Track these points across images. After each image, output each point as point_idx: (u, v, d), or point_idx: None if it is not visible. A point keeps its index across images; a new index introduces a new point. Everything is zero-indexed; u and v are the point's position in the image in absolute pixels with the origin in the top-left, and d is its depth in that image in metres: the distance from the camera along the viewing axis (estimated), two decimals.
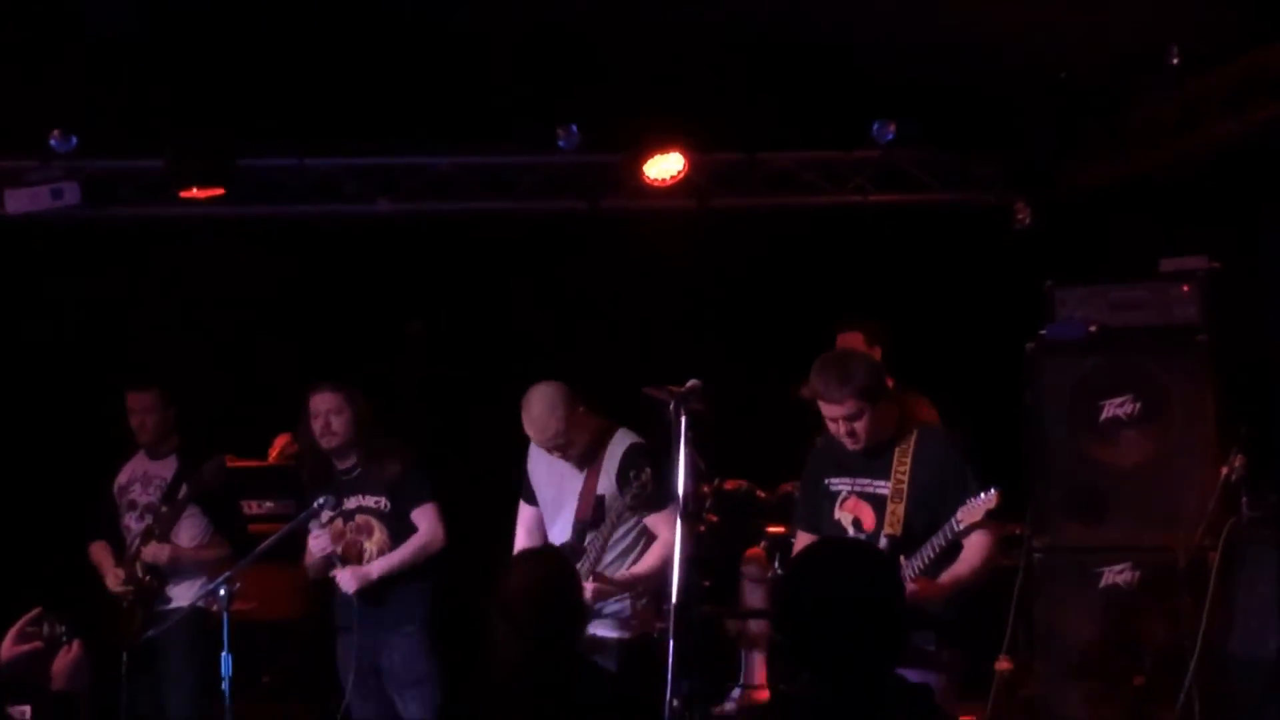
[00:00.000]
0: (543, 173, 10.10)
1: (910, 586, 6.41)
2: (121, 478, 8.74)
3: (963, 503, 6.55)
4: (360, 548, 7.95)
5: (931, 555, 6.49)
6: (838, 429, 6.74)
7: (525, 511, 7.89)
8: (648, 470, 7.08)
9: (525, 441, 7.68)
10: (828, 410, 6.75)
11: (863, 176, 10.18)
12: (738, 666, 9.62)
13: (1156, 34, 8.52)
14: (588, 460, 7.59)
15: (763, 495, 9.45)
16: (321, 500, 7.72)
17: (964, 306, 10.00)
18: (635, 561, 7.44)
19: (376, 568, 7.90)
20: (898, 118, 9.74)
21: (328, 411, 7.94)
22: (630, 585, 7.43)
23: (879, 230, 10.18)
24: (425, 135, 9.71)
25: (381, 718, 7.97)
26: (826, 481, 6.92)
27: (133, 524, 8.62)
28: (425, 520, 7.96)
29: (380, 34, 8.84)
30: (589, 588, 7.21)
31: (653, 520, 7.41)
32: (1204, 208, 8.75)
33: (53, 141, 9.46)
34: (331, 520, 7.93)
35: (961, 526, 6.44)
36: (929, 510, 6.64)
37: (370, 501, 7.97)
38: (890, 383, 7.25)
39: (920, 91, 9.41)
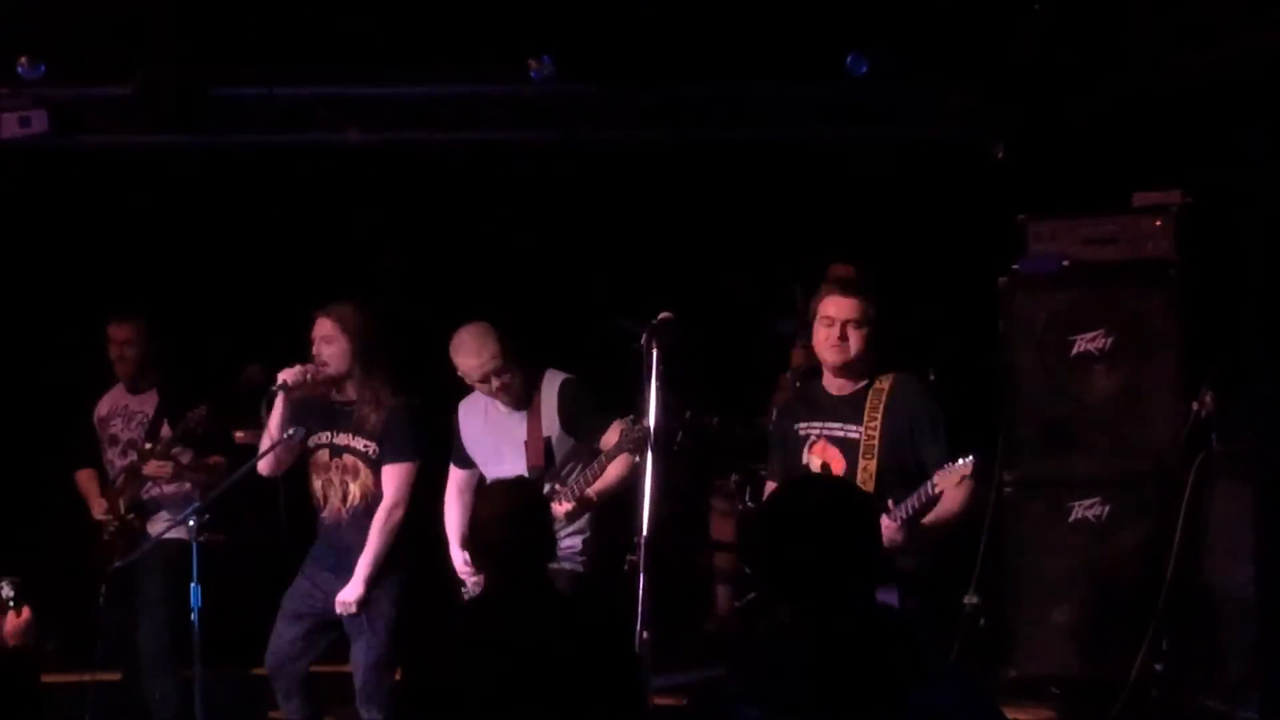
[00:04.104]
0: (516, 103, 10.04)
1: (894, 534, 6.44)
2: (101, 409, 8.73)
3: (931, 454, 6.57)
4: (346, 489, 7.78)
5: (905, 516, 6.49)
6: (831, 333, 6.71)
7: (456, 474, 7.89)
8: (644, 420, 7.03)
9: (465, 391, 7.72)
10: (834, 306, 6.72)
11: (836, 109, 10.14)
12: (706, 598, 9.66)
13: None
14: (523, 403, 7.62)
15: (735, 429, 9.45)
16: (291, 431, 7.63)
17: (936, 240, 9.99)
18: (583, 479, 7.49)
19: (362, 573, 7.55)
20: (873, 50, 9.69)
21: (320, 338, 7.64)
22: (598, 499, 7.49)
23: (853, 164, 10.15)
24: (397, 65, 9.65)
25: (300, 650, 7.75)
26: (797, 426, 6.90)
27: (115, 458, 8.63)
28: (391, 483, 7.61)
29: None
30: (562, 507, 7.30)
31: (603, 443, 7.48)
32: (1180, 140, 8.73)
33: (20, 69, 9.38)
34: (316, 451, 7.79)
35: (936, 490, 6.45)
36: (898, 457, 6.65)
37: (360, 444, 7.66)
38: None
39: (895, 23, 9.38)
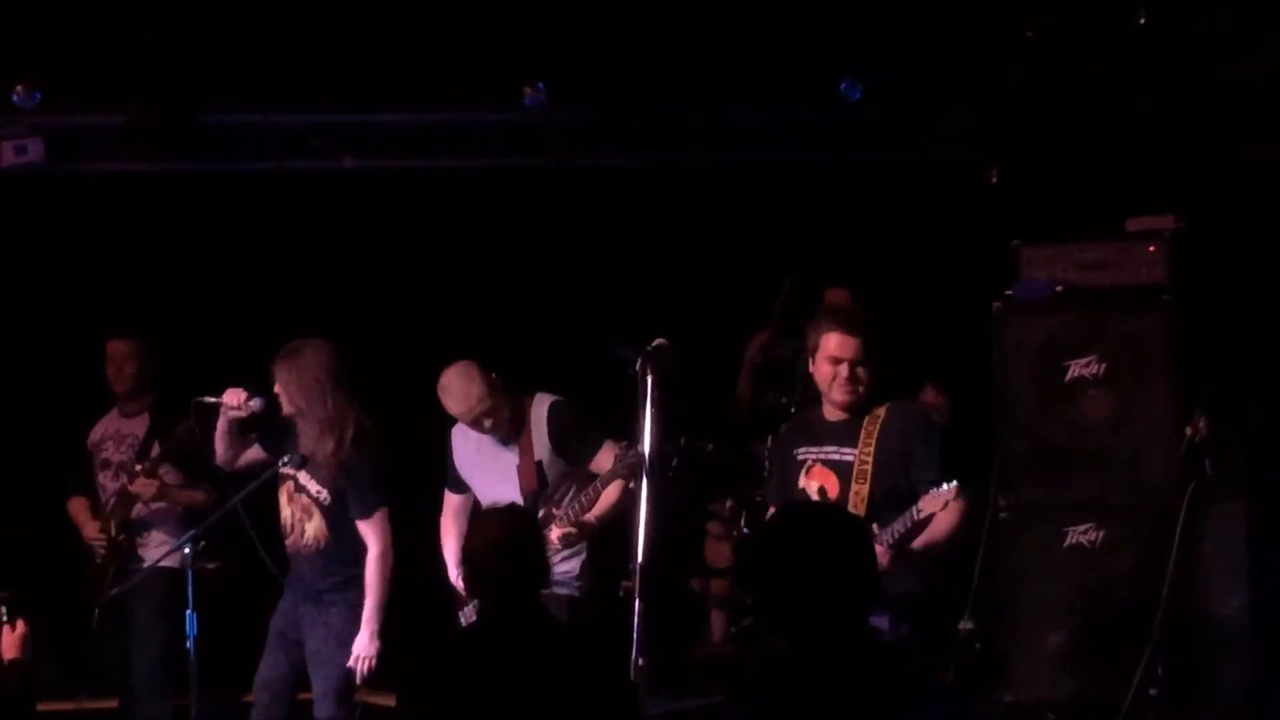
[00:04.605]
0: (509, 130, 10.05)
1: (881, 558, 6.45)
2: (94, 434, 8.77)
3: (922, 477, 6.59)
4: (303, 528, 7.77)
5: (891, 540, 6.50)
6: (839, 373, 6.72)
7: (451, 498, 7.93)
8: (638, 445, 7.05)
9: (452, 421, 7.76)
10: (838, 346, 6.74)
11: (830, 134, 10.15)
12: (702, 624, 9.65)
13: None
14: (514, 431, 7.64)
15: (729, 454, 9.45)
16: (287, 458, 7.64)
17: (930, 264, 10.00)
18: (579, 503, 7.52)
19: (369, 625, 7.55)
20: (866, 74, 9.71)
21: (275, 380, 7.70)
22: (594, 526, 7.53)
23: (846, 188, 10.15)
24: (391, 92, 9.66)
25: (283, 679, 7.76)
26: (795, 451, 6.92)
27: (107, 482, 8.65)
28: (372, 535, 7.59)
29: None
30: (557, 532, 7.32)
31: (595, 464, 7.51)
32: (1173, 165, 8.75)
33: (16, 97, 9.38)
34: (285, 480, 7.78)
35: (921, 515, 6.46)
36: (891, 481, 6.66)
37: (314, 488, 7.66)
38: None
39: (890, 47, 9.41)
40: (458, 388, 7.57)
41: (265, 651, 7.75)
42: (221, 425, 7.81)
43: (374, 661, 7.52)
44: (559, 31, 9.15)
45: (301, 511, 7.69)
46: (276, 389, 7.67)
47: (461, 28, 9.06)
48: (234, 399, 7.70)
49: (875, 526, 6.47)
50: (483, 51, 9.20)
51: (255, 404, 7.69)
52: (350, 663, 7.53)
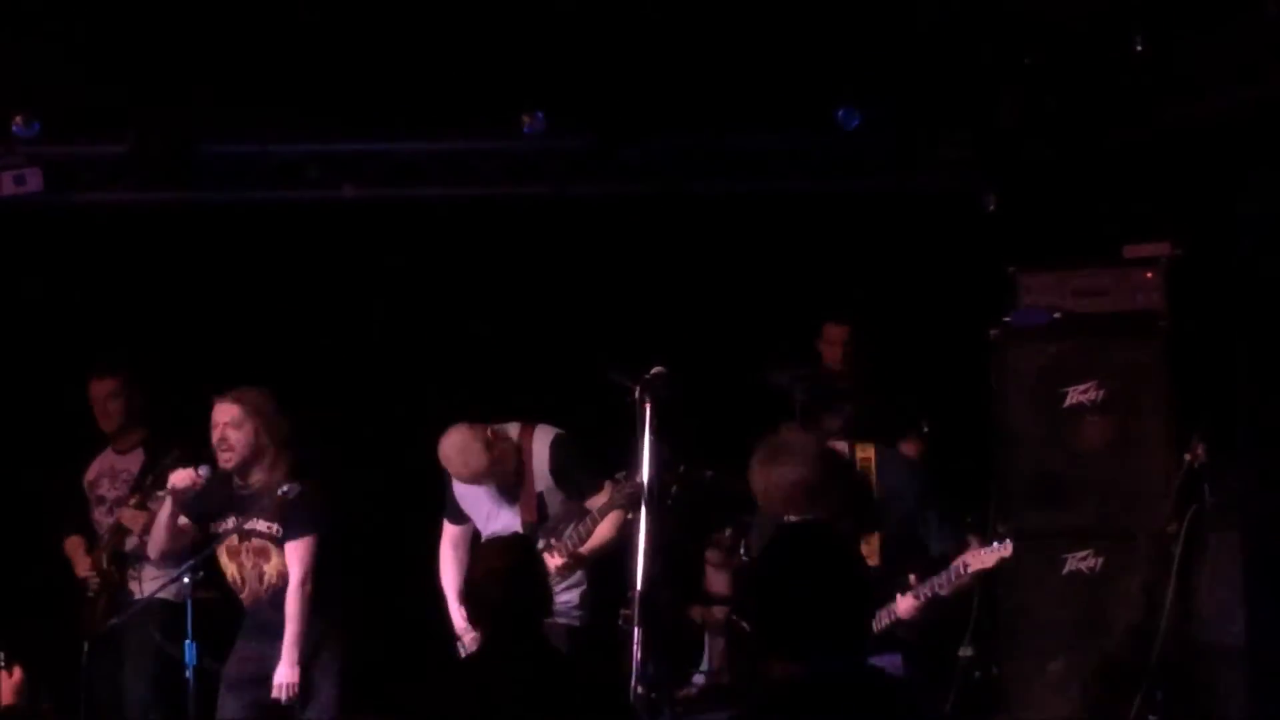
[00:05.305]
0: (508, 158, 10.06)
1: (914, 612, 6.50)
2: (90, 473, 8.79)
3: (929, 528, 6.61)
4: (260, 571, 7.77)
5: (930, 595, 6.53)
6: None
7: (449, 529, 7.96)
8: (638, 475, 7.07)
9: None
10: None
11: (827, 162, 10.16)
12: (700, 652, 9.63)
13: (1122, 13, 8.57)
14: (517, 475, 7.71)
15: (729, 482, 9.43)
16: (286, 488, 7.62)
17: (928, 292, 10.01)
18: (575, 536, 7.54)
19: (289, 654, 7.56)
20: (863, 102, 9.73)
21: (226, 423, 7.68)
22: (587, 559, 7.59)
23: (844, 215, 10.17)
24: (390, 121, 9.68)
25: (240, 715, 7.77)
26: (786, 518, 6.91)
27: (102, 519, 8.67)
28: (295, 559, 7.61)
29: (344, 17, 8.85)
30: (554, 560, 7.33)
31: (593, 503, 7.53)
32: (1170, 192, 8.76)
33: (15, 128, 9.40)
34: (225, 537, 7.77)
35: (969, 571, 6.49)
36: (900, 535, 6.68)
37: (263, 526, 7.69)
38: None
39: (887, 75, 9.43)
40: (456, 459, 7.64)
41: (219, 699, 7.73)
42: (165, 513, 7.78)
43: (296, 689, 7.50)
44: (558, 60, 9.17)
45: (255, 556, 7.68)
46: (226, 434, 7.63)
47: (460, 57, 9.08)
48: (184, 480, 7.68)
49: (913, 579, 6.51)
50: (482, 80, 9.22)
51: (204, 471, 7.70)
52: (274, 694, 7.51)
